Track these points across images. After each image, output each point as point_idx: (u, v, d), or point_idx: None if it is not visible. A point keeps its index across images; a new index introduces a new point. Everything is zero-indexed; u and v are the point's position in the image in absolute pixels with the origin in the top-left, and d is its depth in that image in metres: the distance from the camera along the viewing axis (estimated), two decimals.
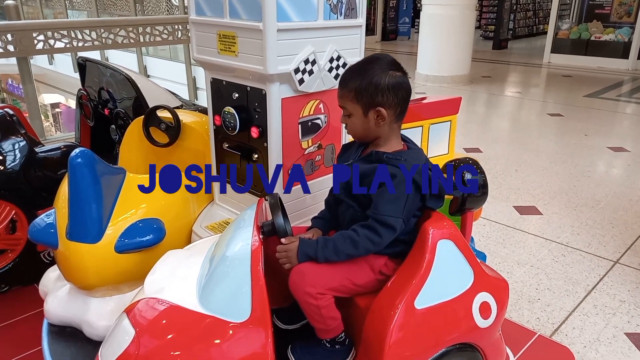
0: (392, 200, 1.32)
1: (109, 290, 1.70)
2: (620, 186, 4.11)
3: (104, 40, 4.87)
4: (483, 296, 1.35)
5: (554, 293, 2.66)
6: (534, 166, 4.52)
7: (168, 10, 9.99)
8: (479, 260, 1.46)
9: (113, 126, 3.06)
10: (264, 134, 1.68)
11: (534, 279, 2.79)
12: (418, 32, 8.51)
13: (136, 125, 2.29)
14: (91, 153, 1.53)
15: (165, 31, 5.28)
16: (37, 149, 2.43)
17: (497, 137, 5.55)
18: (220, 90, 1.79)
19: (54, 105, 14.71)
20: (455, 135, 2.18)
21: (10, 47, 4.26)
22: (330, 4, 1.65)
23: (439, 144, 2.12)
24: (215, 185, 2.01)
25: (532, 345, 2.24)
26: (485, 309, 1.34)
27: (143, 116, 2.23)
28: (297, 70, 1.61)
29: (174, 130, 2.14)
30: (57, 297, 1.74)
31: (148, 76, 9.23)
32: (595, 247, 3.14)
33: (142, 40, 5.13)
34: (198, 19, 1.74)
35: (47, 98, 14.20)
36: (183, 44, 5.75)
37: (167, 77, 8.63)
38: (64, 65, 11.52)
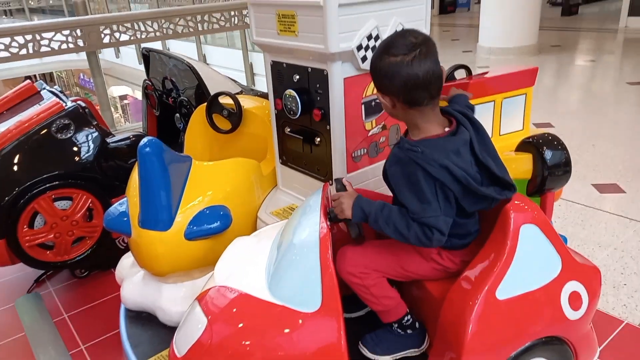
0: (420, 198, 1.20)
1: (180, 276, 1.73)
2: None
3: (164, 30, 5.00)
4: (573, 285, 1.23)
5: None
6: (614, 140, 4.16)
7: None
8: (566, 246, 1.33)
9: (177, 115, 3.14)
10: (326, 117, 1.62)
11: (618, 263, 2.57)
12: (478, 2, 8.05)
13: (199, 113, 2.31)
14: (159, 142, 1.54)
15: (223, 18, 5.34)
16: (108, 140, 2.52)
17: (570, 110, 5.17)
18: (281, 73, 1.75)
19: (122, 97, 15.47)
20: (531, 110, 2.01)
21: (80, 42, 4.46)
22: None
23: (512, 119, 1.97)
24: (279, 169, 1.99)
25: (619, 335, 2.07)
26: (575, 299, 1.23)
27: (205, 103, 2.24)
28: (359, 47, 1.53)
29: (236, 116, 2.13)
30: (132, 283, 1.80)
31: (207, 64, 9.43)
32: None
33: (200, 28, 5.22)
34: (257, 0, 1.69)
35: (115, 90, 14.94)
36: (239, 30, 5.79)
37: (225, 64, 8.77)
38: (130, 58, 12.02)
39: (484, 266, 1.21)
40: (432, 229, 1.19)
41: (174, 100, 3.12)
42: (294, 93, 1.66)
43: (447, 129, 1.28)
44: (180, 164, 1.66)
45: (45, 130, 2.33)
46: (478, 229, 1.37)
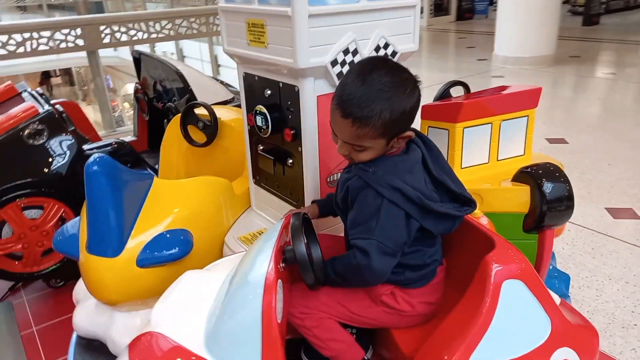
0: (358, 218, 1.14)
1: (135, 305, 1.58)
2: None
3: (168, 32, 4.90)
4: (564, 353, 1.04)
5: None
6: (631, 160, 3.92)
7: None
8: (558, 300, 1.15)
9: (166, 121, 3.01)
10: (298, 137, 1.46)
11: (629, 300, 2.36)
12: (496, 10, 7.80)
13: (175, 124, 2.16)
14: (110, 159, 1.40)
15: None
16: (85, 147, 2.40)
17: (586, 126, 4.91)
18: (253, 87, 1.59)
19: None
20: (533, 133, 1.82)
21: (80, 42, 4.37)
22: None
23: (512, 143, 1.78)
24: (252, 189, 1.83)
25: None
26: None
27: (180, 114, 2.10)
28: (334, 63, 1.36)
29: (211, 129, 1.98)
30: (85, 308, 1.65)
31: (219, 65, 9.30)
32: None
33: (205, 30, 5.10)
34: (227, 7, 1.54)
35: (131, 88, 14.95)
36: None
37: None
38: None
39: (458, 326, 1.03)
40: (357, 250, 1.10)
41: (163, 105, 2.99)
42: (264, 109, 1.50)
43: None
44: (137, 183, 1.51)
45: (17, 135, 2.21)
46: (437, 260, 1.24)
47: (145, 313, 1.60)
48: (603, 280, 2.51)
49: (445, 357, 0.99)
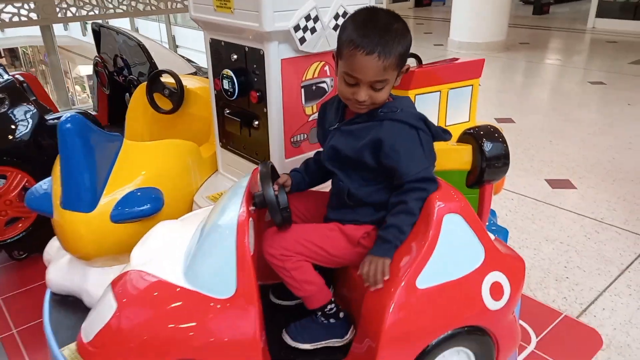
0: (411, 156, 1.23)
1: (108, 261, 1.66)
2: None
3: (127, 7, 4.81)
4: (495, 276, 1.22)
5: (584, 272, 2.49)
6: (571, 137, 4.25)
7: None
8: (492, 237, 1.32)
9: (127, 94, 3.02)
10: (263, 99, 1.57)
11: (562, 257, 2.62)
12: None
13: (141, 92, 2.22)
14: (82, 119, 1.46)
15: None
16: (47, 117, 2.40)
17: (533, 107, 5.24)
18: (219, 52, 1.68)
19: (90, 77, 14.95)
20: (477, 101, 2.00)
21: (33, 15, 4.24)
22: None
23: (458, 110, 1.96)
24: (219, 153, 1.92)
25: (557, 326, 2.11)
26: (496, 290, 1.22)
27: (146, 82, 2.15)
28: (297, 28, 1.48)
29: (177, 96, 2.05)
30: (59, 265, 1.72)
31: (177, 46, 9.15)
32: (632, 223, 2.92)
33: (163, 7, 5.04)
34: None
35: (83, 70, 14.41)
36: None
37: (196, 47, 8.53)
38: None
39: (406, 255, 1.19)
40: (427, 182, 1.22)
41: (124, 79, 3.00)
42: (230, 73, 1.60)
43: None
44: (107, 143, 1.58)
45: None
46: None
47: (118, 268, 1.68)
48: (540, 241, 2.77)
49: (396, 281, 1.15)
